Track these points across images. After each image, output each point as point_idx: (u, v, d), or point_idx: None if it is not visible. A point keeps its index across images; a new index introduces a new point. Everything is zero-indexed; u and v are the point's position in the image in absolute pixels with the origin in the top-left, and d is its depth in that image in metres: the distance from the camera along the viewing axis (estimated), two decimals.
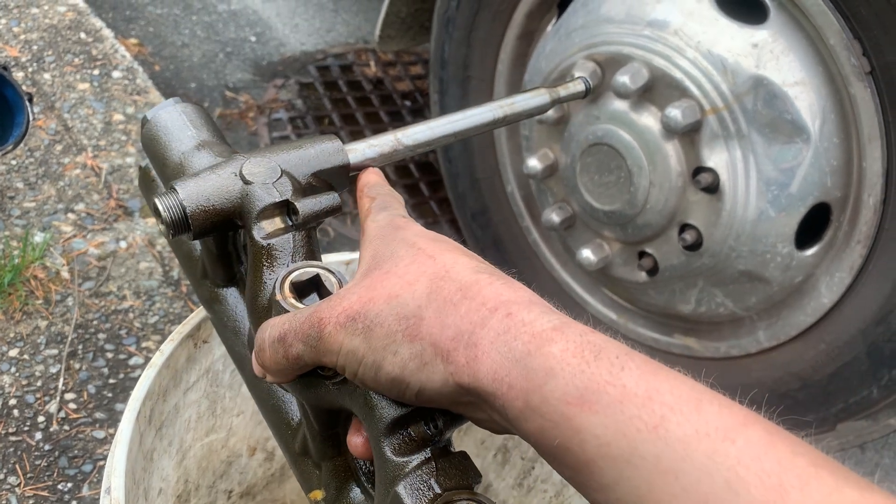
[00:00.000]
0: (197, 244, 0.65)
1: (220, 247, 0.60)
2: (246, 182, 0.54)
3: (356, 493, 0.53)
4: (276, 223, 0.54)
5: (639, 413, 0.35)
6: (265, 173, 0.55)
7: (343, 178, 0.59)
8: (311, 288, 0.50)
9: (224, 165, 0.55)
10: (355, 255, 0.76)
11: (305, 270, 0.50)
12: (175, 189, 0.54)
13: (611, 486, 0.36)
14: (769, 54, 1.06)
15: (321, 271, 0.50)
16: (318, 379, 0.48)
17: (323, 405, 0.50)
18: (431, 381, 0.41)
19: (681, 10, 1.13)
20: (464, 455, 0.46)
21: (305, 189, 0.56)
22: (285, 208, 0.54)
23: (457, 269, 0.43)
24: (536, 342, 0.38)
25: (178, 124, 0.60)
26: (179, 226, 0.53)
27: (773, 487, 0.32)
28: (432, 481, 0.43)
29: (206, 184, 0.54)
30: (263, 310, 0.53)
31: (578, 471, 0.37)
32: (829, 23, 1.01)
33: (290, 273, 0.50)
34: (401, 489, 0.43)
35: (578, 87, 0.75)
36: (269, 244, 0.53)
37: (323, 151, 0.58)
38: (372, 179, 0.59)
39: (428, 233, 0.48)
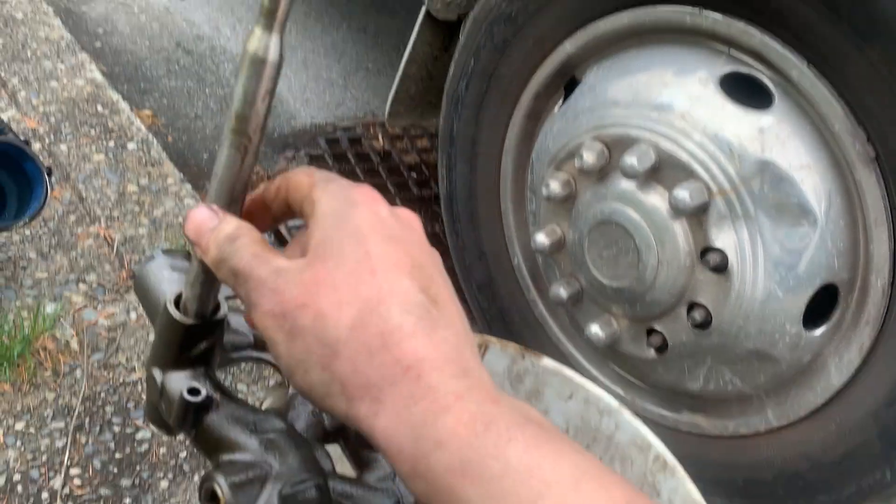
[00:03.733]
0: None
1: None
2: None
3: None
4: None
5: (517, 489, 0.37)
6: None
7: (217, 327, 0.57)
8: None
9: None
10: None
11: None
12: None
13: None
14: (775, 139, 1.09)
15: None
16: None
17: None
18: (333, 411, 0.43)
19: (687, 95, 1.16)
20: None
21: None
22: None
23: (388, 303, 0.42)
24: (433, 410, 0.39)
25: (159, 278, 0.62)
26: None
27: None
28: None
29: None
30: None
31: None
32: (834, 110, 1.04)
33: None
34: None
35: None
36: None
37: (167, 335, 0.55)
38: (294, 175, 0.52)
39: (383, 223, 0.45)
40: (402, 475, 0.40)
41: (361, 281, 0.42)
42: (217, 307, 0.57)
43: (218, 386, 0.59)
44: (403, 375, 0.40)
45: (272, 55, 0.47)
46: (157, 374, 0.57)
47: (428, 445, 0.39)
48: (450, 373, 0.41)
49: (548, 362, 0.76)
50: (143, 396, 1.30)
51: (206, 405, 0.55)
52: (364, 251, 0.43)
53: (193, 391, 0.55)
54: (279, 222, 0.53)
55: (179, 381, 0.57)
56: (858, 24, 0.97)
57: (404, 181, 2.20)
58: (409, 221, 0.47)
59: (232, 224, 0.48)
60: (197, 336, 0.57)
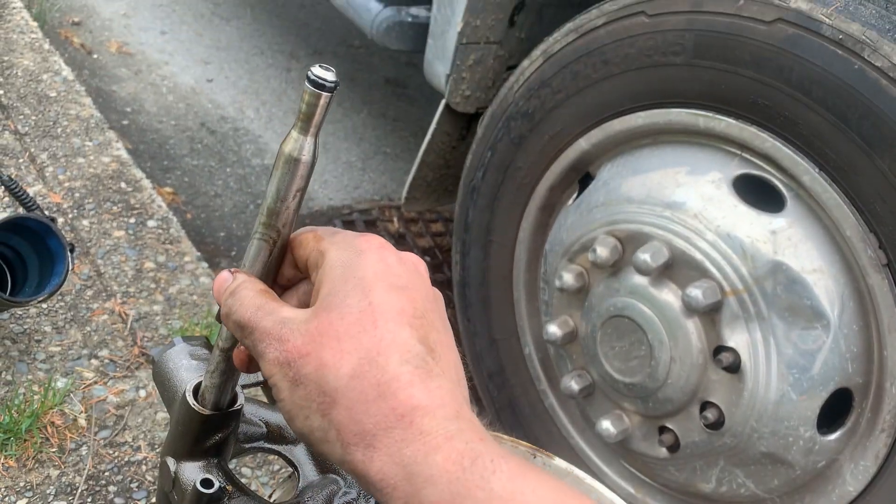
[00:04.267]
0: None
1: None
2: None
3: None
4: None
5: None
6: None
7: (233, 419, 0.58)
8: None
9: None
10: None
11: None
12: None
13: None
14: (787, 241, 1.10)
15: None
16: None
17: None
18: (330, 455, 0.45)
19: (700, 195, 1.18)
20: None
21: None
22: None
23: (387, 353, 0.44)
24: (424, 451, 0.42)
25: (178, 366, 0.64)
26: None
27: None
28: None
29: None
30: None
31: None
32: (845, 215, 1.05)
33: None
34: None
35: None
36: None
37: (183, 425, 0.57)
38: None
39: (388, 270, 0.47)
40: None
41: (363, 331, 0.45)
42: (234, 398, 0.58)
43: (230, 478, 0.59)
44: (397, 422, 0.43)
45: (306, 156, 0.49)
46: (170, 463, 0.57)
47: (419, 482, 0.42)
48: (442, 416, 0.44)
49: (560, 463, 0.76)
50: (147, 477, 1.28)
51: (219, 497, 0.56)
52: (368, 302, 0.46)
53: (206, 483, 0.55)
54: (286, 289, 0.55)
55: (193, 472, 0.57)
56: (867, 134, 0.99)
57: None
58: (415, 266, 0.50)
59: (237, 280, 0.50)
60: (213, 427, 0.57)
